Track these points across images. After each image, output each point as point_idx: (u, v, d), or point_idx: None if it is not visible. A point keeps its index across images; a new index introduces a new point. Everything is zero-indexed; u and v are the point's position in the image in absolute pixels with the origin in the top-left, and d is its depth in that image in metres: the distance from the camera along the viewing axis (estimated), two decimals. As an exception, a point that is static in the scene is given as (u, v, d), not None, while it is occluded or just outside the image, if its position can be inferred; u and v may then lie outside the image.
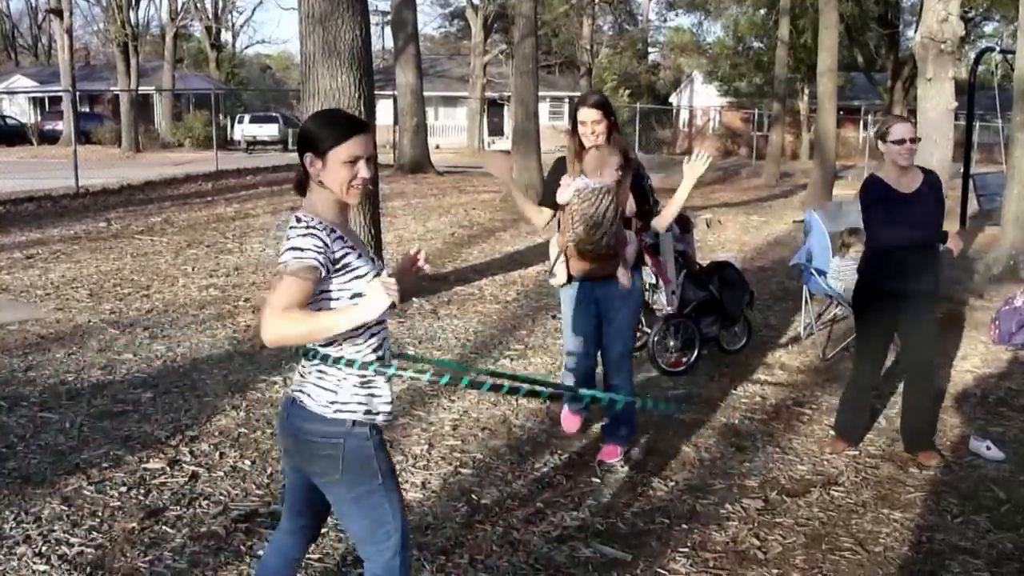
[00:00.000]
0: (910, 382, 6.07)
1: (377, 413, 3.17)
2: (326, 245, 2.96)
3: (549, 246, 5.79)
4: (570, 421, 6.12)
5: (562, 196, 5.51)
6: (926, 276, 5.76)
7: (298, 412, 3.14)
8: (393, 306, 2.85)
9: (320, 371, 3.12)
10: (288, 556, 3.50)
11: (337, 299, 3.03)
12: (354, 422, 3.10)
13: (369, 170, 3.08)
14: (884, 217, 5.71)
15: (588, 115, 5.50)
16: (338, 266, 2.99)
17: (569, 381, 5.83)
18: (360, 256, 3.07)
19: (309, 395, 3.12)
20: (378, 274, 3.08)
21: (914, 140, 5.70)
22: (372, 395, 3.15)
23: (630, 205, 5.62)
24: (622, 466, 5.75)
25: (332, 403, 3.10)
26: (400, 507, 3.24)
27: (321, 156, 3.03)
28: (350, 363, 3.03)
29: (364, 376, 3.12)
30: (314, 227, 2.97)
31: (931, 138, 10.64)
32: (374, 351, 3.15)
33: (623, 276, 5.58)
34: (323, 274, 2.95)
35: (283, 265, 2.92)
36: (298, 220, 3.01)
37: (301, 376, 3.18)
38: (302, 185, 3.15)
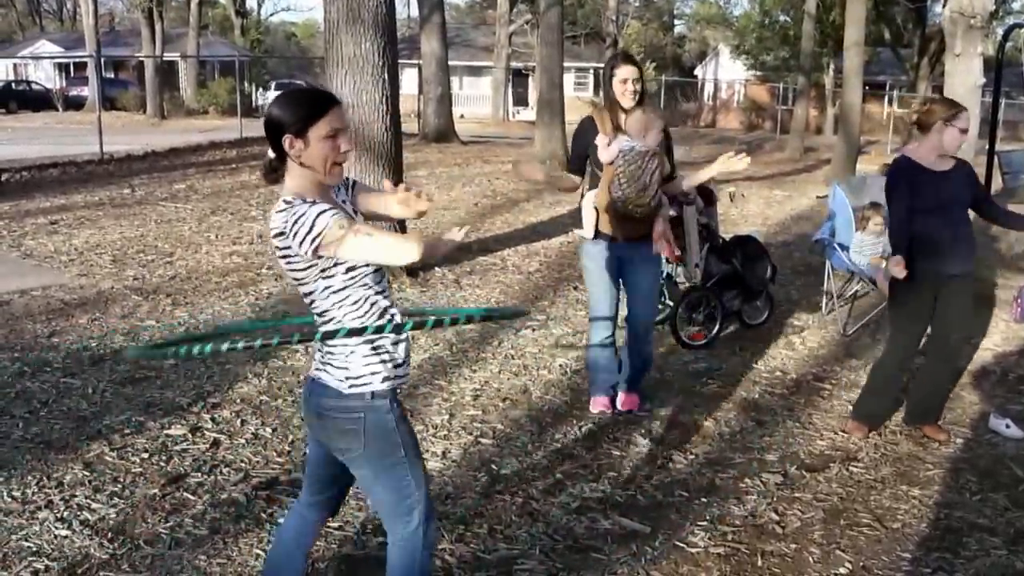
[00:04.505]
0: (932, 358, 5.99)
1: (395, 377, 3.16)
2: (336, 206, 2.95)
3: (583, 203, 5.85)
4: (598, 403, 6.14)
5: (605, 155, 5.62)
6: (963, 255, 5.71)
7: (319, 390, 3.14)
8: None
9: (329, 351, 3.12)
10: (308, 526, 3.52)
11: (338, 269, 3.00)
12: (373, 394, 3.10)
13: (349, 143, 3.02)
14: (908, 198, 5.61)
15: (630, 72, 5.63)
16: None
17: (601, 335, 5.97)
18: None
19: (327, 372, 3.12)
20: None
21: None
22: (385, 361, 3.12)
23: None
24: (643, 437, 5.77)
25: (347, 379, 3.09)
26: (424, 479, 3.24)
27: (301, 135, 2.95)
28: (359, 332, 2.98)
29: (372, 343, 3.09)
30: (309, 201, 2.91)
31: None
32: (378, 318, 3.11)
33: (660, 239, 5.77)
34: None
35: (332, 229, 2.83)
36: (289, 202, 2.93)
37: (320, 354, 3.17)
38: (275, 171, 3.08)
